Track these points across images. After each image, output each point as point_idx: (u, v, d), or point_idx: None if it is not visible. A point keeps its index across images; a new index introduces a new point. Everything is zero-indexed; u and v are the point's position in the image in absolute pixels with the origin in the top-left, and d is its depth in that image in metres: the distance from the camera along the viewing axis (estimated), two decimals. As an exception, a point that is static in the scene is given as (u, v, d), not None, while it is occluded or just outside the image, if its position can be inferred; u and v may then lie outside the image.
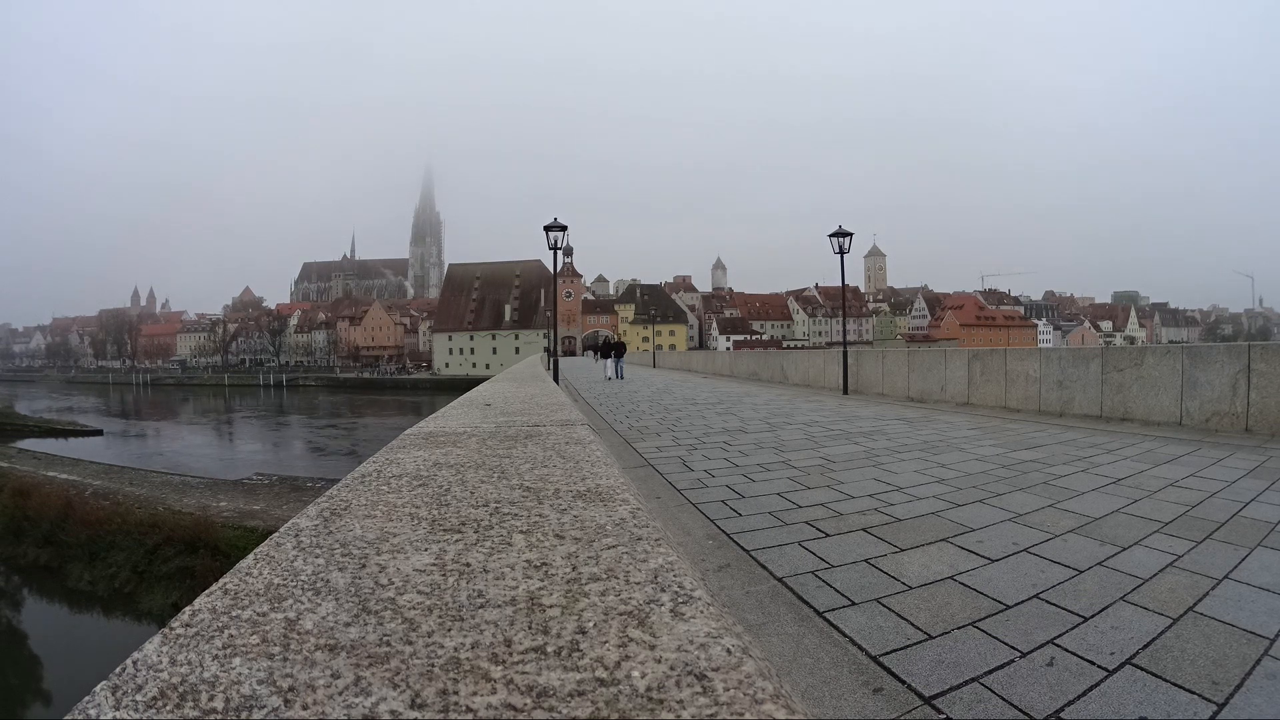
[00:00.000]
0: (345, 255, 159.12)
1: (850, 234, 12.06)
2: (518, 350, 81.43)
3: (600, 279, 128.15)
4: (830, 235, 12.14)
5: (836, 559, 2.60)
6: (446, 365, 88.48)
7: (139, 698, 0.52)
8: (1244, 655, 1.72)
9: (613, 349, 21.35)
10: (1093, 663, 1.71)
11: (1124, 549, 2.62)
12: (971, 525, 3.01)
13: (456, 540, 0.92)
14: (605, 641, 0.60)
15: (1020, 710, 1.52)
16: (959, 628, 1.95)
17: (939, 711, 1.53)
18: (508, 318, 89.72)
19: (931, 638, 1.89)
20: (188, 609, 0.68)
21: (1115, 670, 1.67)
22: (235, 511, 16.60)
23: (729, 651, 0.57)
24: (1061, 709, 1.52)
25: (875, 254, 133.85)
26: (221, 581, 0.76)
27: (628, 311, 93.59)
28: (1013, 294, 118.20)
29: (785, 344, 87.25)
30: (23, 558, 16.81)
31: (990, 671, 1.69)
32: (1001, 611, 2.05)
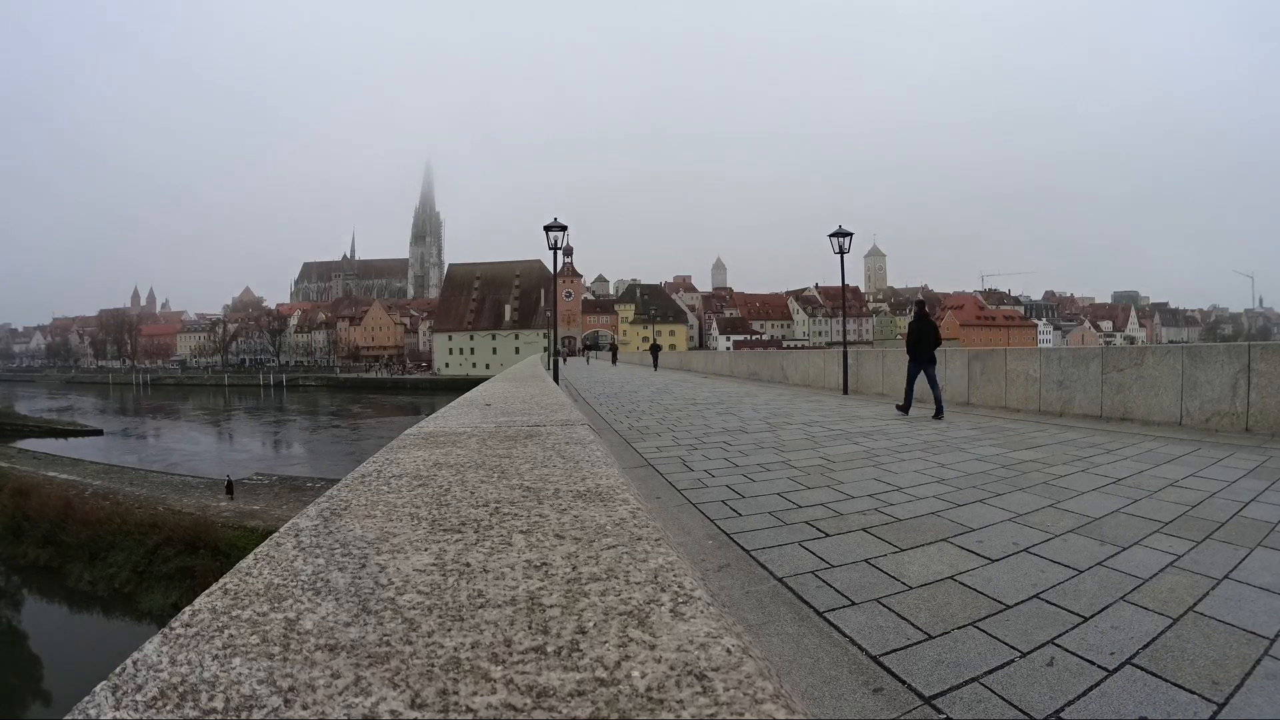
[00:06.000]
0: (345, 255, 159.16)
1: (850, 234, 12.05)
2: (518, 350, 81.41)
3: (600, 279, 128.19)
4: (830, 235, 12.13)
5: (836, 559, 2.60)
6: (446, 365, 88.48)
7: (139, 698, 0.52)
8: (1244, 655, 1.72)
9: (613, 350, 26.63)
10: (1093, 663, 1.71)
11: (1124, 549, 2.61)
12: (971, 525, 3.01)
13: (456, 540, 0.92)
14: (605, 641, 0.60)
15: (1020, 710, 1.52)
16: (959, 628, 1.94)
17: (939, 711, 1.53)
18: (508, 318, 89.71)
19: (931, 638, 1.89)
20: (188, 609, 0.68)
21: (1115, 670, 1.67)
22: (235, 511, 16.60)
23: (729, 651, 0.57)
24: (1061, 709, 1.51)
25: (875, 254, 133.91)
26: (221, 581, 0.76)
27: (628, 311, 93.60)
28: (1013, 294, 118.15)
29: (785, 344, 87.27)
30: (23, 558, 16.81)
31: (990, 671, 1.69)
32: (1001, 611, 2.05)
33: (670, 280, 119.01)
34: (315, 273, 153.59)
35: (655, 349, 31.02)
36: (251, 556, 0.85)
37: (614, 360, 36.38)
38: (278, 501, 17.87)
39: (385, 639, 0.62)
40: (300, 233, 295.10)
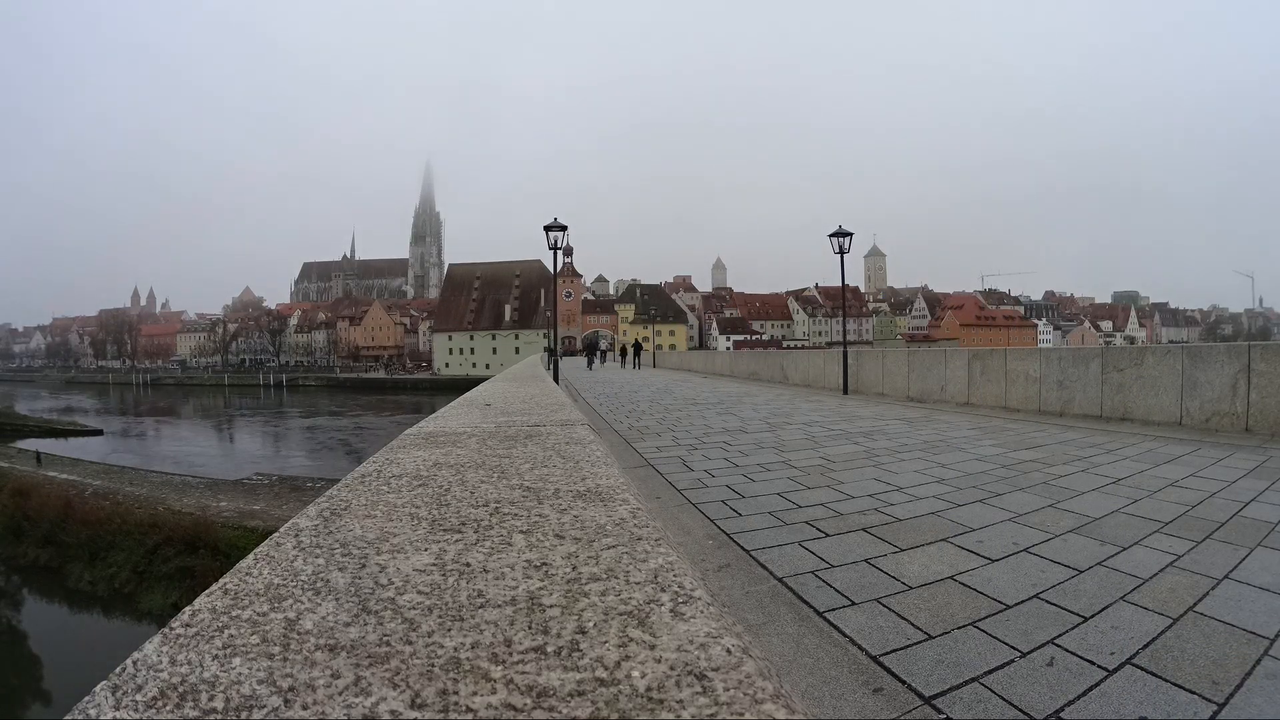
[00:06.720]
0: (345, 255, 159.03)
1: (850, 234, 12.05)
2: (518, 350, 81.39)
3: (600, 279, 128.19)
4: (830, 235, 12.13)
5: (836, 559, 2.60)
6: (446, 365, 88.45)
7: (139, 698, 0.52)
8: (1244, 655, 1.72)
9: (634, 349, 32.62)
10: (1093, 663, 1.71)
11: (1124, 549, 2.61)
12: (971, 525, 3.01)
13: (456, 540, 0.92)
14: (605, 641, 0.60)
15: (1020, 710, 1.52)
16: (959, 628, 1.94)
17: (939, 711, 1.53)
18: (508, 318, 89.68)
19: (931, 638, 1.89)
20: (188, 609, 0.68)
21: (1115, 670, 1.67)
22: (235, 511, 16.59)
23: (729, 651, 0.57)
24: (1061, 709, 1.51)
25: (875, 254, 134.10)
26: (221, 581, 0.76)
27: (628, 311, 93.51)
28: (1013, 294, 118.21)
29: (785, 344, 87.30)
30: (23, 558, 16.81)
31: (990, 671, 1.69)
32: (1001, 611, 2.05)
33: (670, 280, 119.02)
34: (315, 273, 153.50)
35: (637, 347, 32.96)
36: (251, 556, 0.85)
37: (637, 364, 32.17)
38: (278, 501, 17.86)
39: (385, 639, 0.62)
40: (300, 233, 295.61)
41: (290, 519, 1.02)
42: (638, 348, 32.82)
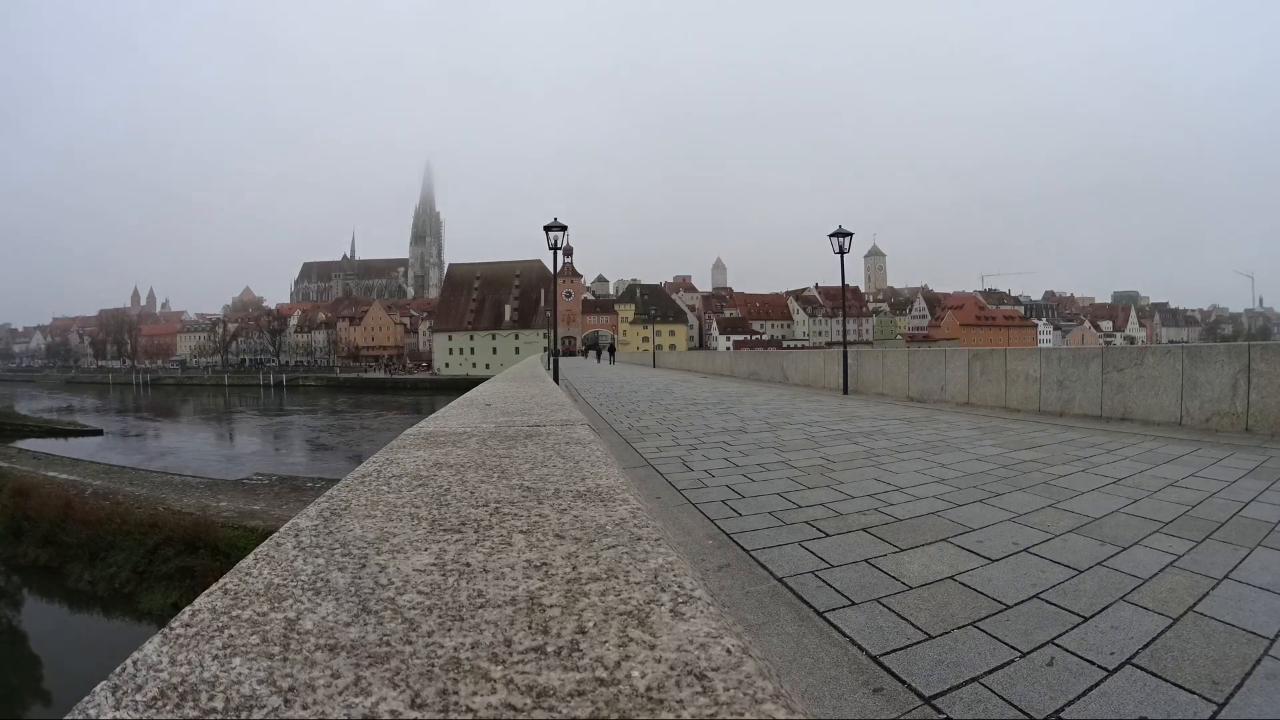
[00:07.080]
0: (345, 255, 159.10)
1: (850, 234, 12.05)
2: (518, 350, 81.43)
3: (600, 279, 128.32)
4: (830, 235, 12.12)
5: (836, 559, 2.60)
6: (446, 365, 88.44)
7: (139, 698, 0.52)
8: (1244, 655, 1.72)
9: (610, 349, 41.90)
10: (1093, 663, 1.71)
11: (1124, 549, 2.61)
12: (971, 525, 3.01)
13: (456, 540, 0.92)
14: (605, 641, 0.60)
15: (1020, 710, 1.52)
16: (959, 628, 1.94)
17: (939, 711, 1.53)
18: (508, 318, 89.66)
19: (931, 638, 1.89)
20: (188, 609, 0.68)
21: (1115, 670, 1.67)
22: (235, 511, 16.58)
23: (729, 651, 0.57)
24: (1061, 709, 1.51)
25: (875, 254, 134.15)
26: (221, 581, 0.76)
27: (628, 311, 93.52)
28: (1013, 294, 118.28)
29: (785, 344, 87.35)
30: (23, 558, 16.79)
31: (990, 671, 1.69)
32: (1001, 611, 2.05)
33: (670, 280, 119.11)
34: (315, 273, 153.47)
35: (611, 348, 44.19)
36: (251, 556, 0.85)
37: (612, 360, 41.23)
38: (278, 501, 17.85)
39: (385, 639, 0.62)
40: (300, 233, 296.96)
41: (290, 519, 1.02)
42: (611, 347, 45.01)
